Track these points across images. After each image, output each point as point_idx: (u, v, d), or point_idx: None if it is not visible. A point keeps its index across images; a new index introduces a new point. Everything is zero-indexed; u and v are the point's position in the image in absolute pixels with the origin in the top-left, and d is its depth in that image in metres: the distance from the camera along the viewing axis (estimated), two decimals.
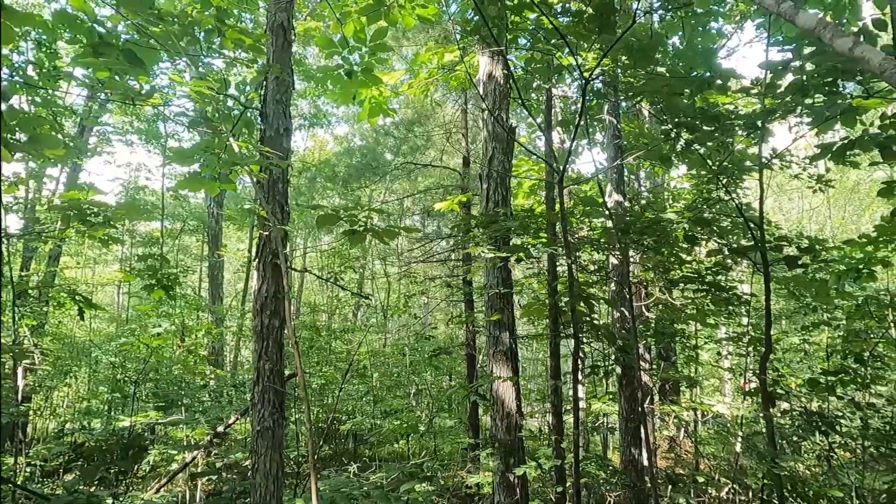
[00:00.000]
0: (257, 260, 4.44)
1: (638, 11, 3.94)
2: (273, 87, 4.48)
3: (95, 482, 6.12)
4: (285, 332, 4.42)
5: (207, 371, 8.90)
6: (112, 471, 6.24)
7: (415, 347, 12.27)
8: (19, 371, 6.08)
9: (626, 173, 10.67)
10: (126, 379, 7.56)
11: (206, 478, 6.30)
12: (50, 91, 7.68)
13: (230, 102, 4.52)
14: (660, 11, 6.32)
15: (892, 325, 5.31)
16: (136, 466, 6.13)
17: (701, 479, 8.73)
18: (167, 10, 3.89)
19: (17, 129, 3.69)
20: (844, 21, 6.26)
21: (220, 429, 6.34)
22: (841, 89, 4.54)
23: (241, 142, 4.21)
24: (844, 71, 3.75)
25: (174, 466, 6.83)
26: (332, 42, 6.21)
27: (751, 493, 9.02)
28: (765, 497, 4.93)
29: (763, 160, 4.72)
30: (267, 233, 4.35)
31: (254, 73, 4.28)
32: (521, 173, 6.45)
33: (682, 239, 4.03)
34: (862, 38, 5.20)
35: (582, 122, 3.67)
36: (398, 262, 17.88)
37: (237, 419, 5.92)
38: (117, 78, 4.10)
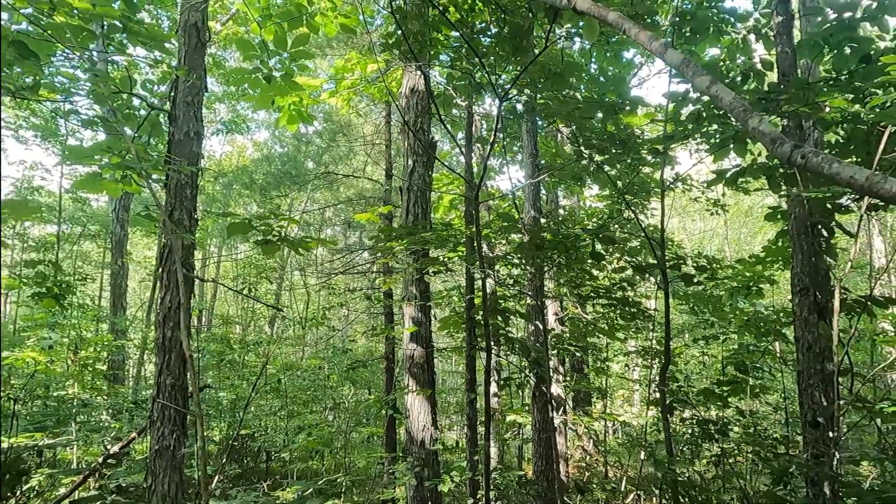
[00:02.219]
0: (162, 269, 4.21)
1: (558, 37, 4.11)
2: (184, 89, 4.29)
3: None
4: (191, 345, 4.21)
5: (104, 387, 8.28)
6: None
7: (332, 360, 12.02)
8: None
9: (543, 191, 11.05)
10: (8, 396, 6.89)
11: (98, 502, 5.84)
12: None
13: (136, 102, 4.29)
14: (577, 39, 6.63)
15: (775, 338, 5.78)
16: (16, 492, 5.59)
17: (609, 487, 9.08)
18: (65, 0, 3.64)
19: None
20: (740, 60, 6.82)
21: (116, 448, 5.91)
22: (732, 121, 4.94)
23: (142, 145, 4.00)
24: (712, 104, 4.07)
25: (62, 491, 6.29)
26: (251, 45, 6.04)
27: (654, 499, 9.48)
28: (663, 501, 5.20)
29: (666, 182, 5.03)
30: (171, 241, 4.14)
31: (160, 74, 4.08)
32: (442, 187, 6.52)
33: (589, 255, 4.21)
34: (752, 76, 5.67)
35: (499, 139, 3.77)
36: (317, 274, 17.50)
37: (134, 438, 5.55)
38: (8, 70, 3.80)
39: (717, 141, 4.95)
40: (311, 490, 6.55)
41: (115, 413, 8.94)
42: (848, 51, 5.61)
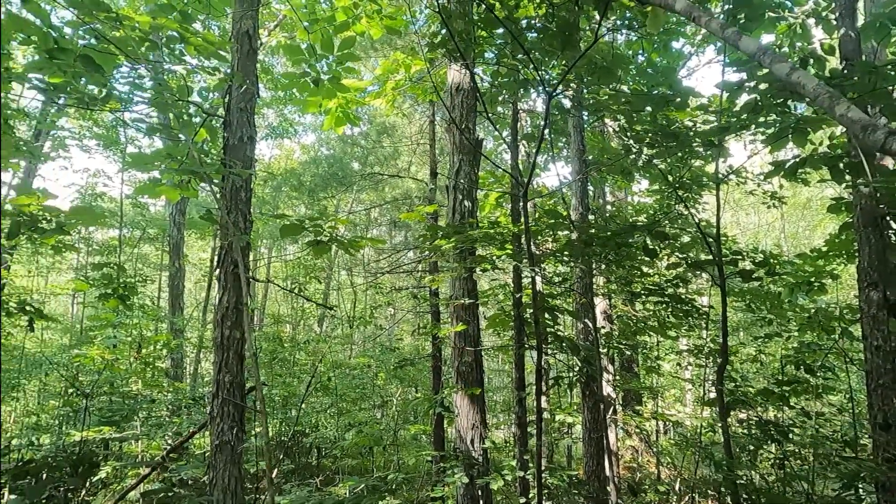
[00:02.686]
0: (219, 270, 4.35)
1: (601, 30, 4.04)
2: (237, 95, 4.42)
3: (43, 500, 5.85)
4: (247, 343, 4.34)
5: (165, 384, 8.63)
6: (61, 489, 5.97)
7: (380, 359, 12.17)
8: None
9: (590, 188, 10.87)
10: (78, 392, 7.26)
11: (161, 494, 6.10)
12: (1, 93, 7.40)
13: (192, 109, 4.44)
14: (624, 31, 6.50)
15: (840, 337, 5.52)
16: (86, 483, 5.89)
17: (662, 489, 8.87)
18: (127, 14, 3.81)
19: None
20: (798, 45, 6.54)
21: (177, 443, 6.15)
22: (792, 109, 4.74)
23: (203, 150, 4.15)
24: (794, 91, 3.90)
25: (128, 483, 6.59)
26: (300, 50, 6.17)
27: (709, 502, 9.20)
28: None
29: (720, 176, 4.87)
30: (228, 242, 4.27)
31: (216, 81, 4.22)
32: (488, 185, 6.50)
33: (641, 252, 4.12)
34: (811, 62, 5.43)
35: (546, 136, 3.73)
36: (364, 273, 17.76)
37: (194, 433, 5.76)
38: (75, 82, 4.00)
39: (775, 131, 4.75)
40: (362, 486, 6.65)
41: (175, 409, 9.31)
42: None
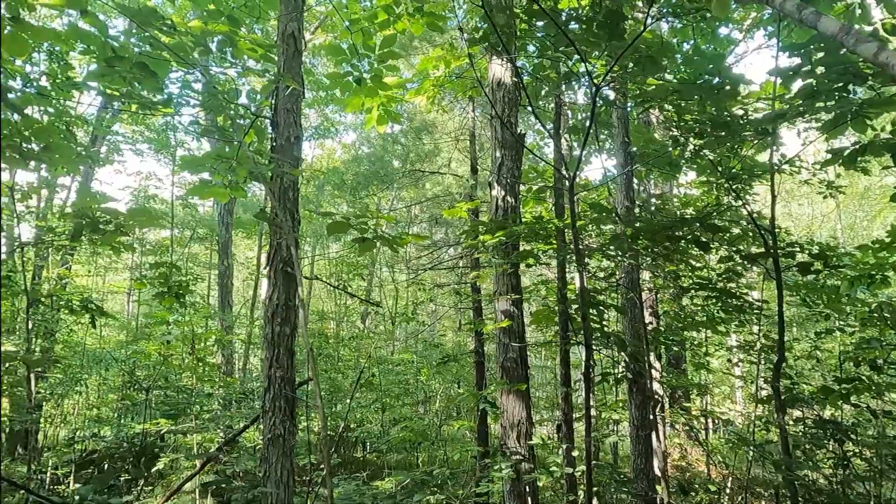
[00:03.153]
0: (268, 268, 4.46)
1: (648, 18, 3.94)
2: (283, 96, 4.51)
3: (105, 490, 6.14)
4: (296, 339, 4.43)
5: (217, 378, 8.91)
6: (122, 478, 6.24)
7: (423, 355, 12.26)
8: (31, 378, 6.12)
9: (635, 181, 10.64)
10: (137, 386, 7.57)
11: (216, 486, 6.31)
12: (62, 101, 7.78)
13: (240, 111, 4.56)
14: (669, 18, 6.32)
15: None
16: (147, 474, 6.14)
17: (713, 488, 8.64)
18: (177, 21, 3.93)
19: (31, 138, 3.75)
20: (856, 27, 6.24)
21: (231, 436, 6.35)
22: (851, 95, 4.52)
23: (253, 150, 4.25)
24: (856, 75, 3.73)
25: (185, 474, 6.84)
26: (342, 49, 6.25)
27: (763, 502, 8.91)
28: None
29: (774, 165, 4.70)
30: (278, 240, 4.37)
31: (264, 83, 4.31)
32: (530, 180, 6.45)
33: (693, 245, 4.00)
34: None
35: (592, 129, 3.67)
36: (406, 270, 17.89)
37: (247, 427, 5.93)
38: (134, 87, 4.16)
39: (833, 118, 4.55)
40: (408, 481, 6.72)
41: (227, 403, 9.60)
42: None
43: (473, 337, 11.06)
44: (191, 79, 4.45)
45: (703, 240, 3.92)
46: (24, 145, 3.62)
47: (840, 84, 4.36)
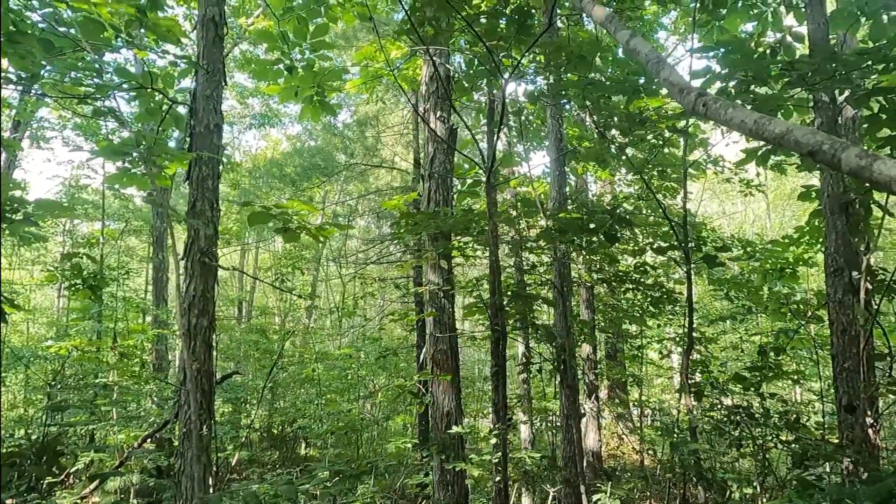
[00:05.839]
0: (185, 258, 4.34)
1: (551, 16, 4.04)
2: (203, 83, 4.39)
3: (19, 491, 5.85)
4: (214, 331, 4.34)
5: (145, 375, 8.62)
6: (26, 479, 5.94)
7: (363, 349, 12.21)
8: None
9: (572, 178, 10.88)
10: (53, 384, 7.24)
11: (139, 485, 6.11)
12: None
13: (158, 97, 4.42)
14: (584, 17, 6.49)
15: (808, 321, 5.58)
16: (52, 472, 5.87)
17: (643, 475, 8.96)
18: None
19: None
20: (770, 33, 6.55)
21: (147, 434, 6.17)
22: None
23: (160, 137, 4.12)
24: (755, 77, 3.93)
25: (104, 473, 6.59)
26: (274, 36, 6.14)
27: (691, 488, 9.30)
28: (688, 486, 5.13)
29: (688, 161, 4.90)
30: (195, 229, 4.26)
31: (180, 69, 4.18)
32: (463, 174, 6.51)
33: (603, 236, 4.15)
34: (781, 50, 5.45)
35: (507, 122, 3.72)
36: (352, 264, 17.75)
37: (168, 423, 5.77)
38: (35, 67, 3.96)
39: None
40: (342, 471, 6.68)
41: (161, 401, 9.29)
42: (886, 19, 5.32)
43: (416, 331, 11.08)
44: (119, 59, 4.29)
45: (612, 232, 4.07)
46: None
47: (751, 86, 4.58)
